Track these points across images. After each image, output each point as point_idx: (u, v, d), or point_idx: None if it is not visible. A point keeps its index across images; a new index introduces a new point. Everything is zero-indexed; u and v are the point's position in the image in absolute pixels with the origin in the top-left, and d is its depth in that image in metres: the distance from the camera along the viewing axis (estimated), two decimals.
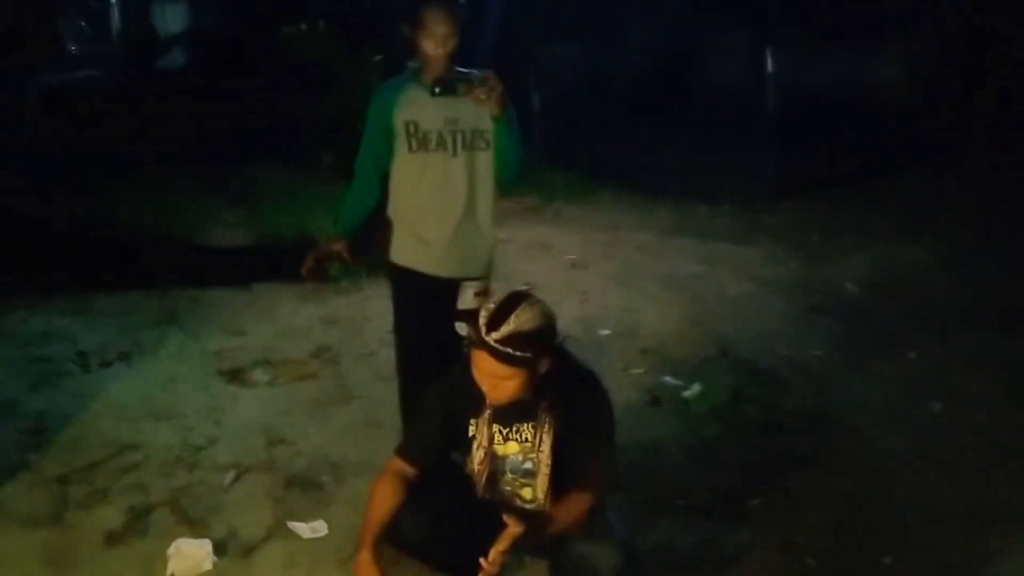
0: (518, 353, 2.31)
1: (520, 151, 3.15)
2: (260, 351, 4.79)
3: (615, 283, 5.93)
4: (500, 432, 2.55)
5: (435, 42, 3.00)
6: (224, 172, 8.37)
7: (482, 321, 2.33)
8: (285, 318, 5.32)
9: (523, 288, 2.46)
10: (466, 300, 3.16)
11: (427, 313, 3.18)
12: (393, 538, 2.58)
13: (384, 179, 3.23)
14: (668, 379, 4.44)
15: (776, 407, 4.20)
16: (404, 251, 3.23)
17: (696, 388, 4.30)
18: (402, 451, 2.61)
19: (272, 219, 7.01)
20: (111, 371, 4.56)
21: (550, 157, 9.62)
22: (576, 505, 2.47)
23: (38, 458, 3.67)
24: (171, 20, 15.72)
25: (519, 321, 2.31)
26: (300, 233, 6.55)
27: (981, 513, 3.34)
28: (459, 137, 3.09)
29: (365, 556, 2.43)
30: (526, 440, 2.54)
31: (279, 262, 6.14)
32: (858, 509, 3.38)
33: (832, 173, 8.51)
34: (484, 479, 2.60)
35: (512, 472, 2.60)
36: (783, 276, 6.16)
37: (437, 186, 3.13)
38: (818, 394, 4.35)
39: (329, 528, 3.22)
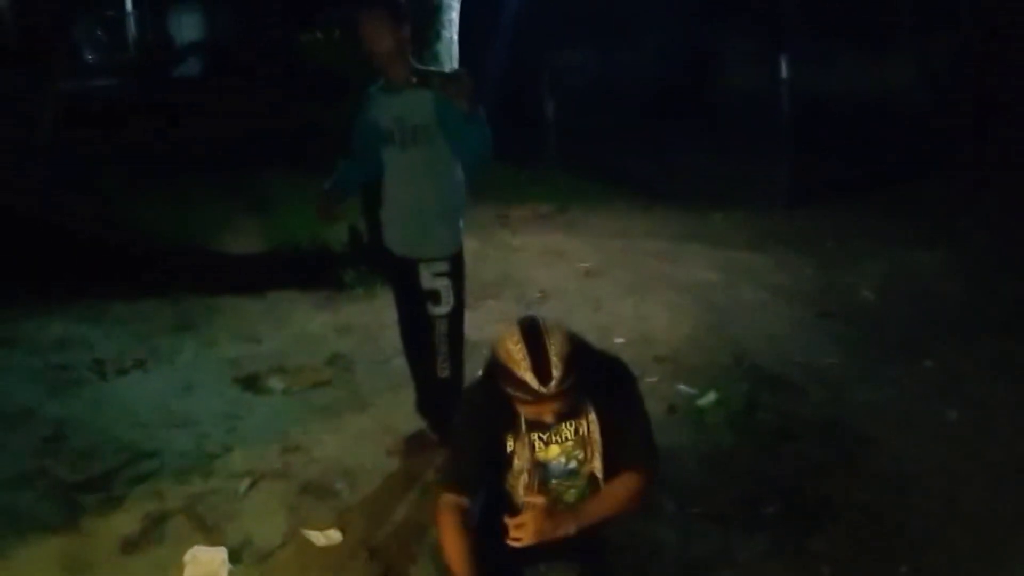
0: (574, 380, 2.30)
1: (480, 142, 3.33)
2: (275, 358, 4.81)
3: (629, 291, 5.92)
4: (540, 439, 2.52)
5: (367, 41, 3.29)
6: (239, 179, 8.42)
7: (532, 382, 2.27)
8: (300, 326, 5.34)
9: (523, 320, 2.38)
10: (427, 279, 3.44)
11: (399, 286, 3.66)
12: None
13: (369, 156, 3.57)
14: (683, 387, 4.43)
15: (791, 415, 4.19)
16: (384, 234, 3.63)
17: (711, 396, 4.30)
18: (450, 486, 2.53)
19: (287, 226, 7.04)
20: (127, 378, 4.59)
21: (564, 164, 9.64)
22: (622, 487, 2.47)
23: (55, 465, 3.70)
24: (187, 28, 15.83)
25: (558, 353, 2.28)
26: (315, 241, 6.58)
27: (998, 522, 3.32)
28: (405, 133, 3.38)
29: None
30: (566, 439, 2.52)
31: (294, 270, 6.18)
32: (874, 517, 3.36)
33: (847, 179, 8.50)
34: (535, 491, 2.55)
35: (556, 477, 2.57)
36: (798, 283, 6.13)
37: (391, 177, 3.51)
38: (833, 402, 4.33)
39: (343, 536, 3.23)
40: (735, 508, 3.41)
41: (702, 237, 7.33)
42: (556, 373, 2.26)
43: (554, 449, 2.54)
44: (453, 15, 5.66)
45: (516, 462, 2.53)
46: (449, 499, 2.50)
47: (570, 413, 2.47)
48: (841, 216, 7.80)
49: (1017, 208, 7.49)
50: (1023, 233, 6.92)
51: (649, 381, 4.49)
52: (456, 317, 3.49)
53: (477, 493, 2.54)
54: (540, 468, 2.55)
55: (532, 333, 2.32)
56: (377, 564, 3.09)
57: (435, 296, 3.43)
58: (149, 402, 4.29)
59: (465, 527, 2.45)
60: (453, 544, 2.42)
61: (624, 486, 2.48)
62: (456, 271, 3.48)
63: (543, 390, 2.27)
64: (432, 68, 3.41)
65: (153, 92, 12.73)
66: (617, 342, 4.97)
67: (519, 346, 2.30)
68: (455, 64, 5.76)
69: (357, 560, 3.10)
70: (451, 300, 3.45)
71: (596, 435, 2.50)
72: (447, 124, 3.31)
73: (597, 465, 2.52)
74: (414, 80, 3.32)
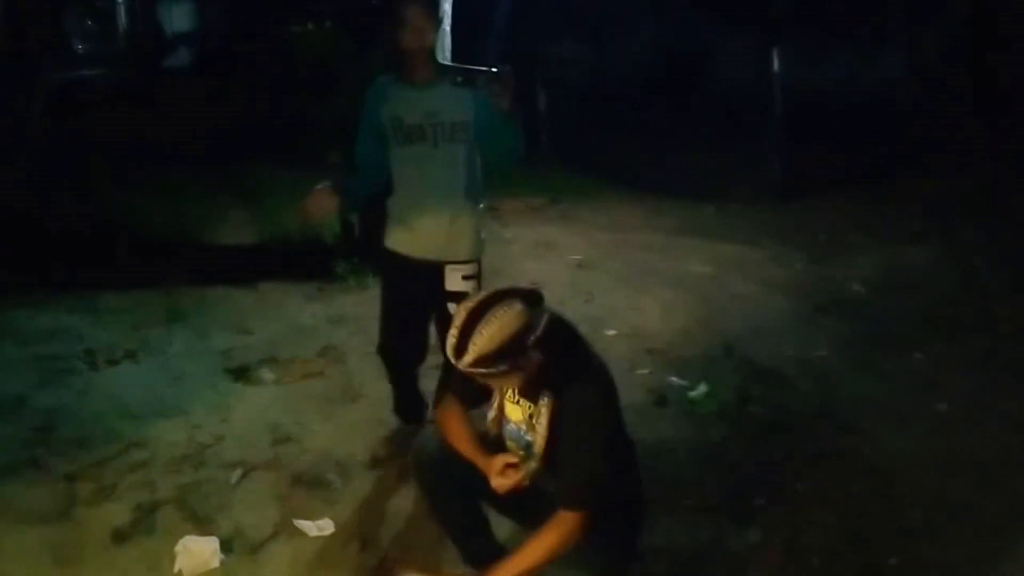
0: (492, 370, 2.31)
1: (515, 142, 3.27)
2: (267, 349, 4.80)
3: (621, 283, 5.93)
4: (512, 391, 2.54)
5: (414, 36, 3.17)
6: (230, 171, 8.38)
7: (448, 348, 2.33)
8: (291, 317, 5.33)
9: (495, 292, 2.37)
10: (454, 282, 3.34)
11: (411, 293, 3.42)
12: (413, 467, 2.70)
13: (378, 167, 3.37)
14: (674, 379, 4.44)
15: (782, 407, 4.20)
16: (395, 237, 3.41)
17: (702, 388, 4.31)
18: (450, 394, 2.68)
19: (278, 218, 7.01)
20: (118, 369, 4.57)
21: (556, 157, 9.63)
22: (545, 540, 2.39)
23: (45, 455, 3.68)
24: (177, 19, 15.72)
25: (481, 343, 2.27)
26: (307, 232, 6.56)
27: (987, 514, 3.34)
28: (439, 130, 3.23)
29: (499, 457, 2.51)
30: (529, 414, 2.52)
31: (285, 261, 6.17)
32: (864, 509, 3.38)
33: (839, 172, 8.52)
34: (494, 433, 2.62)
35: (512, 440, 2.60)
36: (789, 276, 6.15)
37: (420, 176, 3.30)
38: (824, 394, 4.35)
39: (335, 526, 3.23)
40: (726, 500, 3.42)
41: (694, 230, 7.35)
42: (468, 358, 2.29)
43: (517, 412, 2.57)
44: (446, 6, 5.67)
45: (491, 397, 2.61)
46: (451, 400, 2.64)
47: (525, 394, 2.51)
48: (833, 210, 7.83)
49: (1007, 203, 7.52)
50: (1013, 228, 6.95)
51: (640, 373, 4.50)
52: None
53: (473, 405, 2.64)
54: (503, 421, 2.61)
55: (479, 307, 2.32)
56: (369, 554, 3.09)
57: (462, 298, 3.35)
58: (140, 393, 4.27)
59: (466, 418, 2.60)
60: (458, 427, 2.58)
61: (546, 539, 2.40)
62: (480, 273, 3.43)
63: (453, 361, 2.33)
64: (468, 66, 3.24)
65: (143, 83, 12.65)
66: (609, 334, 4.98)
67: (461, 315, 2.33)
68: (447, 56, 5.76)
69: (349, 550, 3.10)
70: None
71: (542, 431, 2.47)
72: (483, 122, 3.21)
73: (535, 462, 2.51)
74: (459, 79, 3.15)
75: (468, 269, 3.36)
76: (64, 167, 8.04)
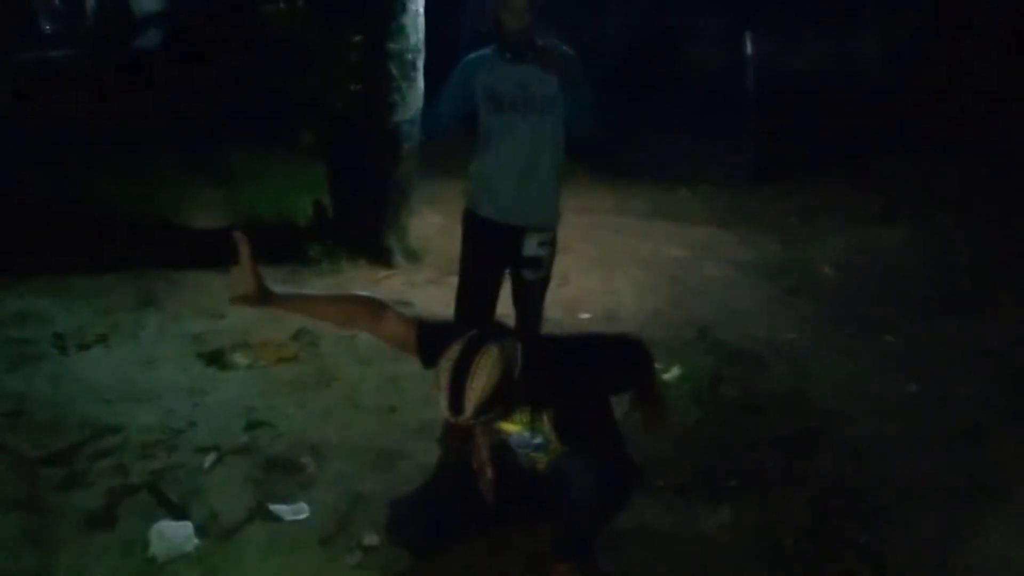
0: (491, 415, 2.39)
1: (587, 114, 3.62)
2: (239, 333, 4.76)
3: (595, 266, 5.94)
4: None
5: (515, 17, 3.42)
6: (202, 153, 8.30)
7: (445, 410, 2.37)
8: None
9: (467, 343, 2.40)
10: (531, 247, 3.54)
11: (491, 255, 3.65)
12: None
13: (452, 119, 3.69)
14: None
15: (754, 389, 4.24)
16: (478, 200, 3.65)
17: (675, 370, 4.33)
18: (421, 331, 2.67)
19: (251, 200, 6.96)
20: (89, 353, 4.53)
21: None
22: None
23: (16, 440, 3.64)
24: None
25: (474, 396, 2.34)
26: (279, 214, 6.52)
27: (955, 493, 3.38)
28: (530, 102, 3.49)
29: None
30: (530, 425, 2.61)
31: (259, 244, 6.10)
32: (834, 489, 3.42)
33: (811, 155, 8.55)
34: (489, 459, 2.67)
35: (520, 447, 2.65)
36: (761, 259, 6.19)
37: (507, 143, 3.55)
38: (796, 376, 4.39)
39: (310, 510, 3.23)
40: (699, 481, 3.45)
41: (668, 213, 7.37)
42: (469, 410, 2.35)
43: (513, 426, 2.62)
44: None
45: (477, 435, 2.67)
46: (397, 317, 2.71)
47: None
48: (805, 192, 7.87)
49: (977, 186, 7.59)
50: (982, 210, 7.02)
51: None
52: (546, 283, 3.73)
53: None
54: (500, 433, 2.66)
55: (462, 362, 2.36)
56: (345, 538, 3.09)
57: (536, 263, 3.57)
58: (112, 377, 4.24)
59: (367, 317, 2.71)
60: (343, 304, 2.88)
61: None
62: (555, 242, 3.67)
63: (451, 419, 2.37)
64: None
65: (113, 63, 12.48)
66: (583, 317, 4.99)
67: (446, 374, 2.36)
68: (420, 37, 5.73)
69: (324, 534, 3.10)
70: (549, 267, 3.63)
71: (552, 436, 2.60)
72: (569, 99, 3.51)
73: (555, 452, 2.62)
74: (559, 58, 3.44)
75: (546, 236, 3.57)
76: (32, 148, 7.94)
